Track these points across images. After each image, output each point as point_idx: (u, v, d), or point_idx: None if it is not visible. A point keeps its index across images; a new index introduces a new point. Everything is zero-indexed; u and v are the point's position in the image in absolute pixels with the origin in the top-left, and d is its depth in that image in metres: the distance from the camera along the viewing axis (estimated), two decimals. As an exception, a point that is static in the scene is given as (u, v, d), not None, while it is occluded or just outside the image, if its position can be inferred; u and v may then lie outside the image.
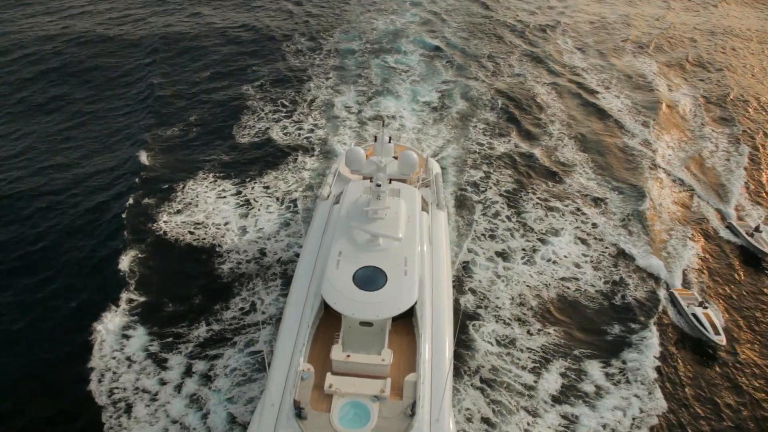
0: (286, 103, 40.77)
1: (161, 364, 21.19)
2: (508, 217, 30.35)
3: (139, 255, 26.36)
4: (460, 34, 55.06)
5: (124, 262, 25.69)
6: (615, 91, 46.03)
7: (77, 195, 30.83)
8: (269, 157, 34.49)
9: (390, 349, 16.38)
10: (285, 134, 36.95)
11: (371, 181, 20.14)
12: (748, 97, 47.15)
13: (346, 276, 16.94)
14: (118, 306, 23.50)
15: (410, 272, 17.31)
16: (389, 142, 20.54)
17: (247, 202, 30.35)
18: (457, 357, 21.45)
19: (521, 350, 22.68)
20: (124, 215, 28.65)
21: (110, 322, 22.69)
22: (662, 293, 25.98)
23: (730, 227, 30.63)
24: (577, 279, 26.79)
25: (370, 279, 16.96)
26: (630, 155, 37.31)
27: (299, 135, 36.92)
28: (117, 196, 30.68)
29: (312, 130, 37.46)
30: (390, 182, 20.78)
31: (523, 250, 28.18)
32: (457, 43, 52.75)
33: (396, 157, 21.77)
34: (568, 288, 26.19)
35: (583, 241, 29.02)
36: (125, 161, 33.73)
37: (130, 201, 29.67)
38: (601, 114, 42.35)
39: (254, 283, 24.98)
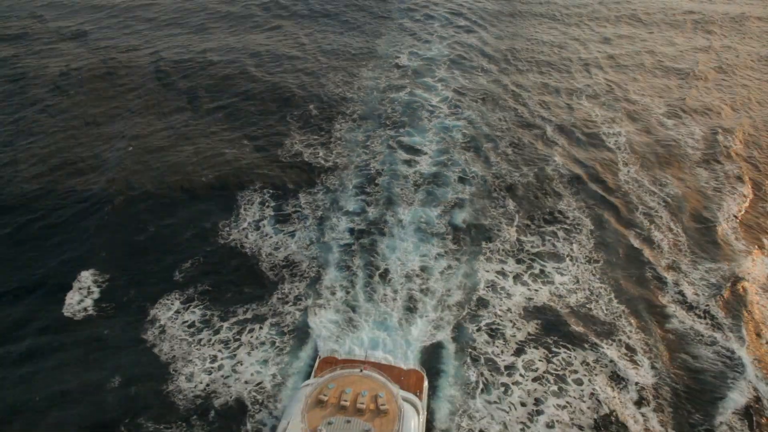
0: (321, 132, 50.57)
1: (209, 331, 31.61)
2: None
3: (197, 257, 36.67)
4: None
5: (184, 262, 36.21)
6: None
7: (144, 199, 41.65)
8: (303, 175, 44.42)
9: None
10: (316, 158, 46.72)
11: None
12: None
13: None
14: (180, 290, 34.12)
15: None
16: None
17: (286, 216, 40.18)
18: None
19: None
20: (186, 227, 39.36)
21: (171, 302, 33.15)
22: None
23: None
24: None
25: None
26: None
27: (326, 160, 46.58)
28: (174, 207, 41.34)
29: (338, 157, 47.07)
30: None
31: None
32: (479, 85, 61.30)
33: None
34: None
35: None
36: (189, 179, 44.41)
37: (190, 213, 40.42)
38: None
39: (286, 279, 35.03)
